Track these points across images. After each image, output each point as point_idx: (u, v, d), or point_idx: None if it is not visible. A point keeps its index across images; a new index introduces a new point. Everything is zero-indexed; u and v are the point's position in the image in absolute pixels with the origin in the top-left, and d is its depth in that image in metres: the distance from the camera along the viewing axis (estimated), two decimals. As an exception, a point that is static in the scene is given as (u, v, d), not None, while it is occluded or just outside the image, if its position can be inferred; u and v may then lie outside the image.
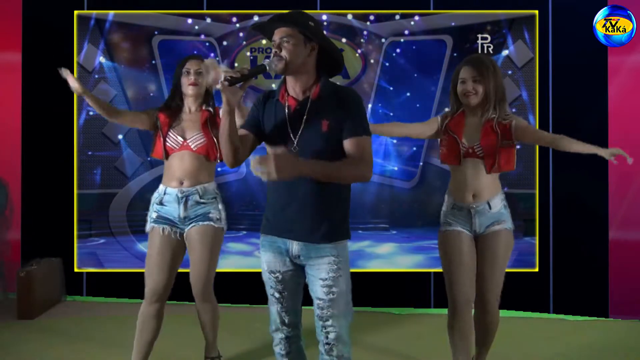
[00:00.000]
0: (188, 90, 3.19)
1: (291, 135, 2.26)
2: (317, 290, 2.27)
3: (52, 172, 4.82)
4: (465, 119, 3.03)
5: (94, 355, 3.72)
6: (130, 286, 4.83)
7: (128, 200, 4.81)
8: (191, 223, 3.16)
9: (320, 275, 2.26)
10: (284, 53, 2.24)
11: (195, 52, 4.73)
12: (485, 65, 2.96)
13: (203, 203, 3.17)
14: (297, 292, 2.37)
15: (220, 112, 2.28)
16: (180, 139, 3.16)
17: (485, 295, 2.98)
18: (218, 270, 4.31)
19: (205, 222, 3.15)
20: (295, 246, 2.28)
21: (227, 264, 4.59)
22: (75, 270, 4.81)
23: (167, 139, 3.17)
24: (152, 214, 3.21)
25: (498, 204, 2.98)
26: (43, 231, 4.81)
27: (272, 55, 2.26)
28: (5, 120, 4.86)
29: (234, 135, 2.23)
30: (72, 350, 3.79)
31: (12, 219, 4.89)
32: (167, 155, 3.18)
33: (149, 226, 3.23)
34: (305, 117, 2.26)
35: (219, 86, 2.15)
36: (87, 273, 4.85)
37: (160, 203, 3.18)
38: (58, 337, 4.02)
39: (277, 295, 2.34)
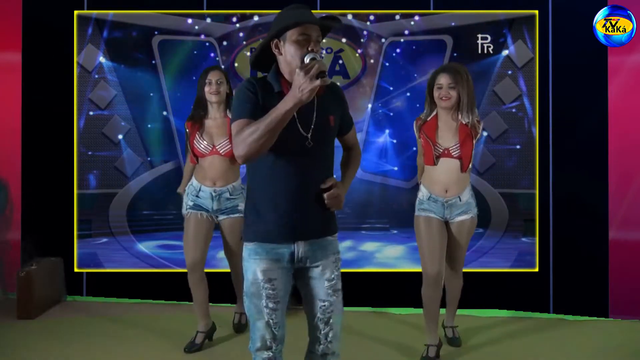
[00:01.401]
0: (212, 98, 3.70)
1: (302, 131, 2.21)
2: (322, 291, 2.26)
3: (52, 172, 4.82)
4: (438, 121, 3.49)
5: (94, 355, 3.73)
6: (130, 286, 4.84)
7: (128, 200, 4.81)
8: (223, 213, 3.76)
9: (326, 275, 2.26)
10: (320, 54, 2.22)
11: (195, 52, 4.75)
12: (460, 74, 3.41)
13: (233, 198, 3.74)
14: (286, 303, 2.29)
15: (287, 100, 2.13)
16: (209, 145, 3.68)
17: (455, 267, 3.70)
18: (217, 270, 4.40)
19: (235, 215, 3.74)
20: (302, 248, 2.24)
21: (226, 264, 4.58)
22: (75, 270, 4.81)
23: (196, 145, 3.68)
24: (188, 202, 3.76)
25: (466, 195, 3.52)
26: (43, 231, 4.81)
27: (311, 49, 2.16)
28: (5, 120, 4.86)
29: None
30: (72, 350, 3.79)
31: (12, 219, 4.89)
32: (197, 158, 3.70)
33: (185, 211, 3.77)
34: (315, 112, 2.24)
35: (318, 82, 2.04)
36: (87, 273, 4.85)
37: (197, 196, 3.73)
38: (58, 337, 4.02)
39: (271, 305, 2.21)
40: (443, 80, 3.43)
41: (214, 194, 3.70)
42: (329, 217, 2.31)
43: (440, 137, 3.48)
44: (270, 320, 2.22)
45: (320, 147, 2.24)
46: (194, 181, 3.77)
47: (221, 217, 3.78)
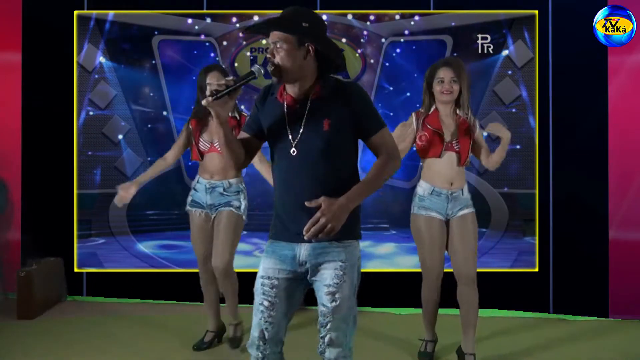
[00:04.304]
0: None
1: (290, 137, 2.17)
2: (322, 296, 2.19)
3: (52, 172, 4.82)
4: (439, 116, 3.44)
5: (94, 355, 3.72)
6: (130, 286, 4.84)
7: (128, 200, 4.79)
8: (216, 209, 3.70)
9: (325, 282, 2.18)
10: (276, 59, 2.13)
11: (195, 52, 4.74)
12: (462, 67, 3.40)
13: (226, 195, 3.69)
14: (287, 306, 2.22)
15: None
16: (208, 143, 3.67)
17: (467, 271, 3.43)
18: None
19: (227, 208, 3.68)
20: (303, 250, 2.18)
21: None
22: (75, 270, 4.81)
23: (199, 144, 3.68)
24: (188, 198, 3.78)
25: (467, 191, 3.50)
26: (43, 231, 4.80)
27: (268, 57, 2.17)
28: (5, 120, 4.86)
29: (233, 143, 2.18)
30: (72, 350, 3.79)
31: (12, 219, 4.89)
32: (202, 156, 3.70)
33: (187, 208, 3.79)
34: (305, 117, 2.17)
35: (204, 102, 2.07)
36: (87, 273, 4.85)
37: (194, 189, 3.75)
38: (58, 337, 4.02)
39: (266, 303, 2.18)
40: (445, 74, 3.37)
41: (207, 187, 3.68)
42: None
43: (444, 131, 3.43)
44: (262, 319, 2.18)
45: (310, 155, 2.15)
46: (196, 175, 3.77)
47: (214, 213, 3.72)
